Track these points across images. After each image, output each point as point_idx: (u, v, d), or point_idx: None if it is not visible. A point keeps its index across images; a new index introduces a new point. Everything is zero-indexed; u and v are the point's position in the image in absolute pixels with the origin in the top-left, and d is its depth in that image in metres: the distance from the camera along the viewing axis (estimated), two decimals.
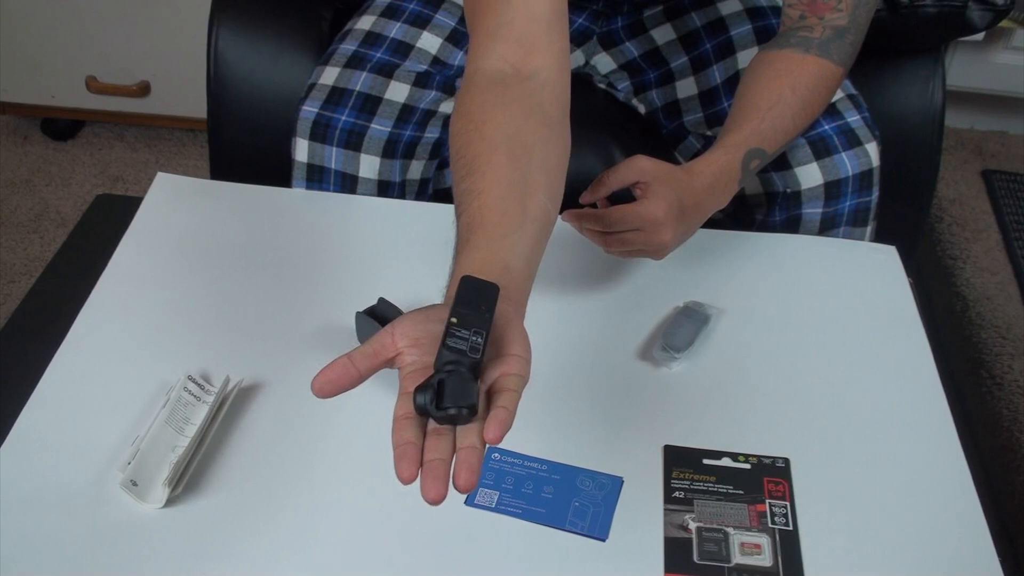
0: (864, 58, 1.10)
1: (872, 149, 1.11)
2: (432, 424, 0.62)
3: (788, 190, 1.12)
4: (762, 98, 1.00)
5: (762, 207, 1.16)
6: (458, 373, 0.61)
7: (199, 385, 0.86)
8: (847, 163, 1.10)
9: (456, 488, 0.59)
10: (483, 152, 0.78)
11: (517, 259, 0.72)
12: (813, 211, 1.12)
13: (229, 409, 0.86)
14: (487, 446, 0.61)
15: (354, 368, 0.65)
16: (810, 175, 1.10)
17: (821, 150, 1.10)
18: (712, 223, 1.12)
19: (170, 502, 0.78)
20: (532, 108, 0.82)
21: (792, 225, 1.13)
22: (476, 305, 0.65)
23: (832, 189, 1.11)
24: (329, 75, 1.15)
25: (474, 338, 0.63)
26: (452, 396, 0.61)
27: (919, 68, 1.38)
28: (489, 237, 0.73)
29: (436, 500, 0.59)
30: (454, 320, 0.64)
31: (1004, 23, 1.87)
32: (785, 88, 1.00)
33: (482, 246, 0.72)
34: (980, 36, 2.04)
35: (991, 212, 2.00)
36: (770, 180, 1.13)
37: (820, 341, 0.98)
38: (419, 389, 0.61)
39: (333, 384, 0.65)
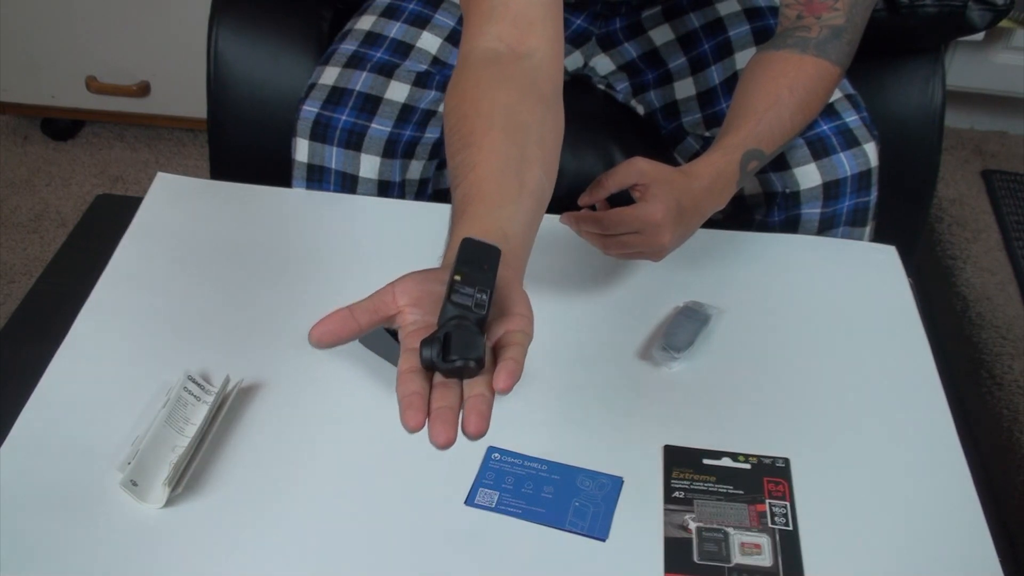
0: (864, 58, 1.10)
1: (871, 149, 1.11)
2: (438, 378, 0.62)
3: (787, 190, 1.12)
4: (759, 99, 1.00)
5: (761, 207, 1.16)
6: (464, 326, 0.61)
7: (199, 385, 0.86)
8: (845, 163, 1.10)
9: (466, 435, 0.59)
10: (479, 127, 0.78)
11: (515, 229, 0.72)
12: (812, 211, 1.12)
13: (229, 409, 0.86)
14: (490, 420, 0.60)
15: (354, 321, 0.65)
16: (808, 175, 1.10)
17: (819, 150, 1.10)
18: (711, 223, 1.12)
19: (170, 502, 0.78)
20: (527, 87, 0.82)
21: (791, 225, 1.13)
22: (479, 264, 0.65)
23: (831, 189, 1.11)
24: (329, 75, 1.15)
25: (479, 295, 0.63)
26: (459, 348, 0.61)
27: (919, 68, 1.38)
28: (487, 208, 0.73)
29: (445, 444, 0.59)
30: (457, 277, 0.63)
31: (1004, 23, 1.87)
32: (783, 89, 0.99)
33: (480, 216, 0.72)
34: (980, 36, 2.04)
35: (991, 212, 2.00)
36: (769, 180, 1.13)
37: (820, 341, 0.98)
38: (425, 343, 0.61)
39: (332, 335, 0.64)
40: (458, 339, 0.61)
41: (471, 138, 0.77)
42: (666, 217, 0.91)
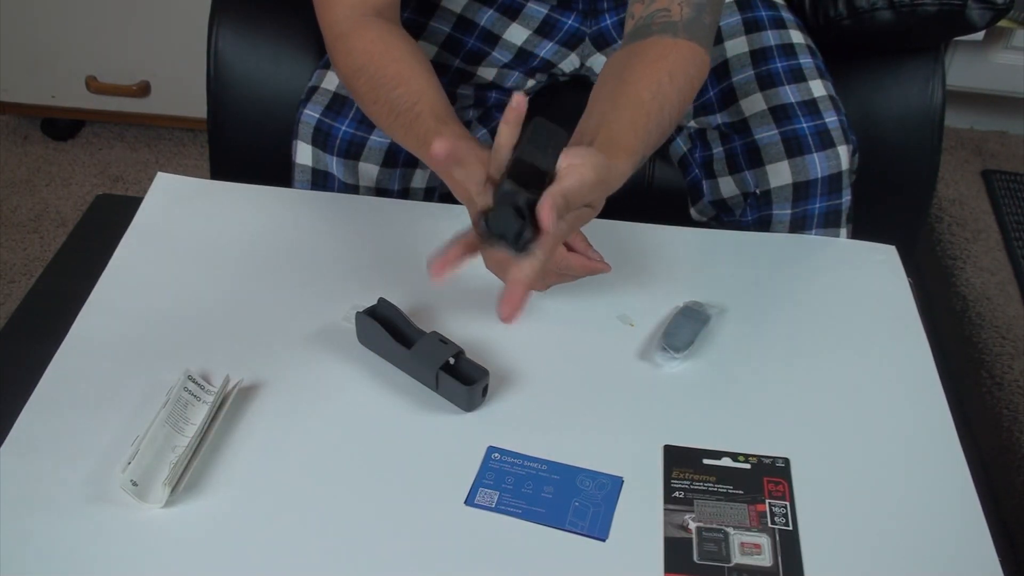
0: (864, 58, 1.10)
1: (843, 152, 1.11)
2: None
3: (758, 191, 1.12)
4: (643, 86, 0.90)
5: (740, 207, 1.16)
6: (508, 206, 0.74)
7: (199, 385, 0.86)
8: (817, 164, 1.10)
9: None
10: (404, 69, 0.98)
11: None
12: (783, 212, 1.12)
13: (229, 409, 0.86)
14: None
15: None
16: (780, 173, 1.10)
17: (794, 148, 1.10)
18: (706, 224, 1.12)
19: (170, 502, 0.78)
20: (397, 29, 1.04)
21: (763, 225, 1.13)
22: (544, 147, 0.76)
23: (800, 190, 1.11)
24: (331, 80, 1.15)
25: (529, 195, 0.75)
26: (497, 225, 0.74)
27: (919, 68, 1.38)
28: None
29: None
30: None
31: (1004, 23, 1.87)
32: (663, 74, 0.91)
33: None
34: (980, 36, 2.04)
35: (991, 212, 2.00)
36: (744, 180, 1.13)
37: (820, 341, 0.98)
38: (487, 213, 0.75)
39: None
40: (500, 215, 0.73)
41: (400, 77, 0.96)
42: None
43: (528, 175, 0.74)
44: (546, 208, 0.73)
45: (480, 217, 0.75)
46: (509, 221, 0.73)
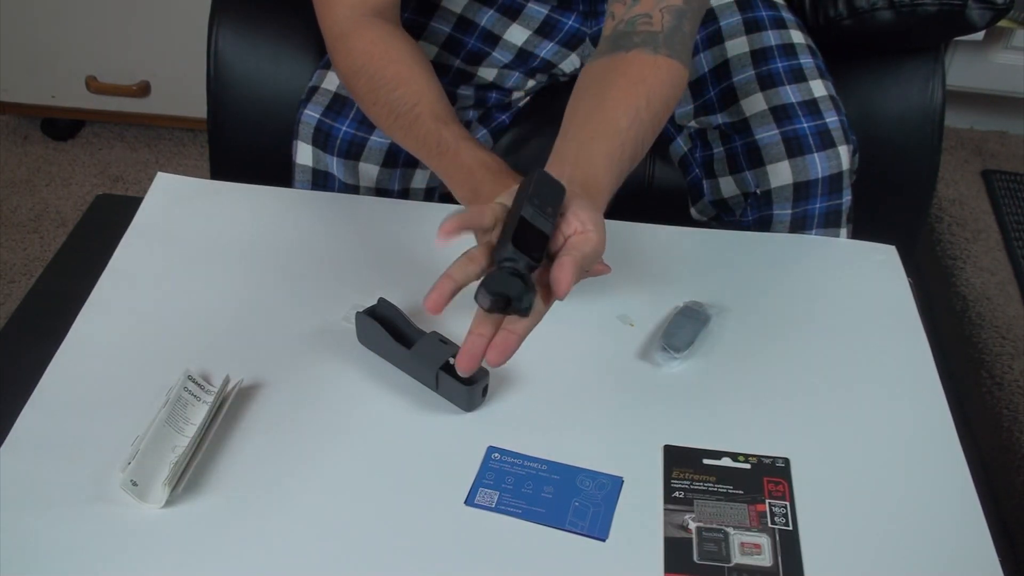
0: (864, 58, 1.10)
1: (844, 152, 1.11)
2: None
3: (759, 190, 1.12)
4: (621, 111, 0.89)
5: (740, 207, 1.16)
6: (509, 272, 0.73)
7: (199, 385, 0.86)
8: (818, 164, 1.10)
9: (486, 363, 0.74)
10: (403, 70, 0.99)
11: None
12: (783, 212, 1.12)
13: (229, 409, 0.86)
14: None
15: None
16: (780, 173, 1.10)
17: (795, 148, 1.10)
18: (705, 224, 1.12)
19: (170, 502, 0.78)
20: (396, 30, 1.04)
21: (764, 225, 1.13)
22: (542, 207, 0.76)
23: (801, 190, 1.11)
24: (331, 80, 1.15)
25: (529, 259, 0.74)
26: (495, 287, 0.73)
27: (919, 68, 1.38)
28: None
29: (466, 371, 0.74)
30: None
31: (1004, 23, 1.88)
32: (641, 99, 0.90)
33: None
34: (980, 36, 2.04)
35: (991, 212, 2.00)
36: (744, 180, 1.13)
37: (820, 341, 0.98)
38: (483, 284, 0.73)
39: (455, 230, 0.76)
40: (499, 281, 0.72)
41: (399, 78, 0.98)
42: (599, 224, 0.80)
43: (530, 236, 0.74)
44: (566, 278, 0.73)
45: (482, 288, 0.73)
46: (512, 288, 0.73)
